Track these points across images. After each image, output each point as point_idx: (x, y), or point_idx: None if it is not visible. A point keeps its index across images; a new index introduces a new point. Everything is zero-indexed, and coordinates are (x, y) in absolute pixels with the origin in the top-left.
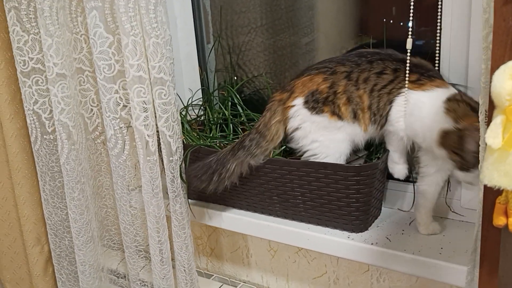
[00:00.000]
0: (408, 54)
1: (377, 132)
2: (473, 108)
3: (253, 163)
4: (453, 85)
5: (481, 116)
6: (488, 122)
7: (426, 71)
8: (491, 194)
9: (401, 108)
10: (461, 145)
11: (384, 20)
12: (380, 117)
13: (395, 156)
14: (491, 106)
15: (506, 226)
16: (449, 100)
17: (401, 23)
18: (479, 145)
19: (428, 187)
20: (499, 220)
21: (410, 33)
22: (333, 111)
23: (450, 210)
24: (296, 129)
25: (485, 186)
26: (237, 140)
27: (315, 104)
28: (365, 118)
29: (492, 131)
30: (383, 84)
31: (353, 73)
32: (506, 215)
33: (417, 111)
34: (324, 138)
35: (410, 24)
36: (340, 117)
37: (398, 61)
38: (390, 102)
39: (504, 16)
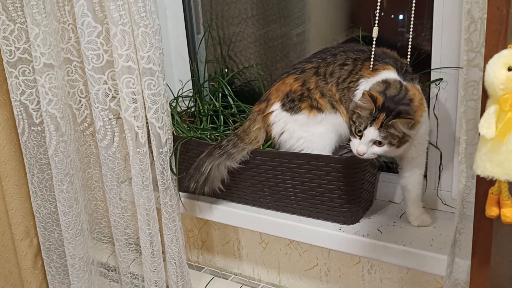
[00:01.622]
0: (374, 42)
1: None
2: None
3: (229, 164)
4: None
5: (462, 108)
6: (482, 112)
7: (384, 58)
8: (484, 185)
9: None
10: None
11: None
12: (347, 108)
13: None
14: (484, 95)
15: (498, 216)
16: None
17: (392, 16)
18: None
19: (407, 180)
20: (491, 211)
21: (376, 22)
22: (311, 105)
23: (442, 202)
24: (282, 133)
25: (477, 177)
26: (227, 132)
27: (292, 103)
28: (342, 109)
29: (485, 121)
30: (345, 76)
31: (320, 68)
32: (499, 205)
33: None
34: (308, 133)
35: (377, 12)
36: (319, 109)
37: (359, 51)
38: (353, 93)
39: (497, 4)
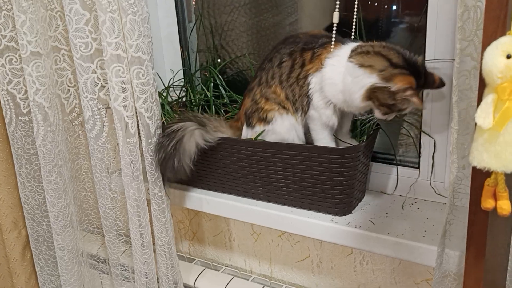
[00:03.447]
0: (334, 28)
1: (302, 119)
2: (387, 58)
3: (199, 140)
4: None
5: (455, 98)
6: (478, 101)
7: (317, 41)
8: (479, 177)
9: (316, 86)
10: (393, 101)
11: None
12: (301, 104)
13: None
14: (482, 84)
15: (494, 209)
16: (355, 55)
17: (386, 6)
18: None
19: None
20: (487, 203)
21: (337, 6)
22: (259, 118)
23: (435, 192)
24: None
25: (473, 168)
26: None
27: (248, 120)
28: (289, 106)
29: (482, 110)
30: (287, 73)
31: (261, 77)
32: (495, 198)
33: (331, 80)
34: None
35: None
36: (265, 120)
37: (290, 44)
38: (304, 86)
39: None
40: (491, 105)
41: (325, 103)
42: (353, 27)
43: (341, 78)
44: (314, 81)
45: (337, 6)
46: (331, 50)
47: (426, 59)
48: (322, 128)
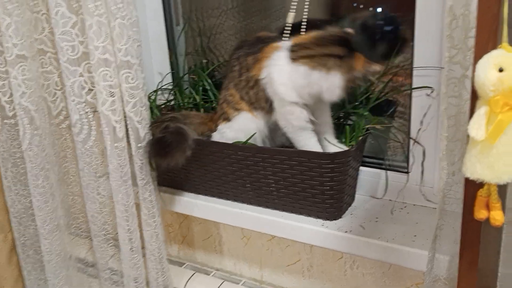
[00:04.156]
0: (289, 28)
1: (269, 118)
2: (317, 43)
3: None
4: None
5: (444, 105)
6: (471, 112)
7: (258, 45)
8: (472, 187)
9: (269, 89)
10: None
11: (355, 4)
12: (260, 106)
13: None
14: (474, 96)
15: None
16: (301, 58)
17: (371, 8)
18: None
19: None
20: (480, 214)
21: (293, 7)
22: (223, 118)
23: (424, 198)
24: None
25: (466, 179)
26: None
27: (217, 122)
28: (245, 107)
29: (475, 122)
30: (237, 77)
31: (224, 83)
32: (488, 208)
33: (279, 81)
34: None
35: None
36: (227, 119)
37: (239, 49)
38: (259, 91)
39: (489, 3)
40: (484, 117)
41: (284, 104)
42: (303, 28)
43: (289, 76)
44: (265, 85)
45: (293, 7)
46: (271, 52)
47: (414, 66)
48: (297, 131)
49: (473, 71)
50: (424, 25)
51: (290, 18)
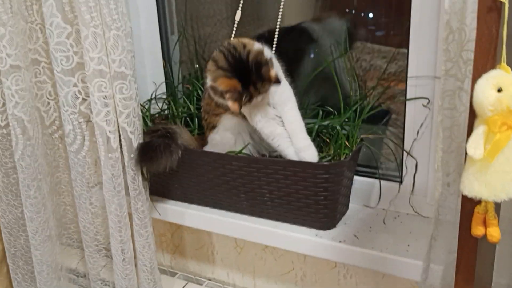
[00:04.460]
0: (235, 26)
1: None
2: (215, 61)
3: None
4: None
5: (440, 117)
6: (469, 131)
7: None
8: (469, 203)
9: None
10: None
11: (347, 10)
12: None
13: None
14: (472, 114)
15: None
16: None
17: (362, 14)
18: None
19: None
20: (477, 230)
21: (240, 6)
22: (210, 128)
23: (413, 210)
24: None
25: (463, 195)
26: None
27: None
28: (221, 111)
29: (473, 141)
30: (210, 87)
31: (202, 98)
32: (485, 224)
33: None
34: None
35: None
36: (214, 127)
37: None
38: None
39: (488, 23)
40: (482, 136)
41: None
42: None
43: None
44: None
45: (240, 5)
46: None
47: (408, 75)
48: (273, 139)
49: (472, 90)
50: (418, 34)
51: (238, 16)
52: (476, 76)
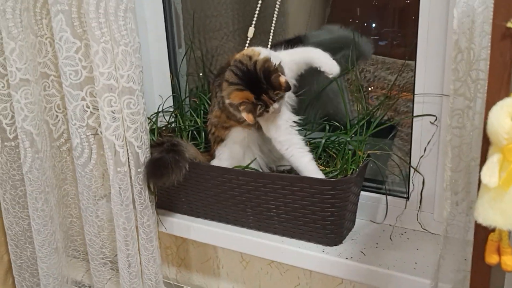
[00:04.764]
0: (248, 42)
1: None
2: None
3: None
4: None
5: (449, 137)
6: (482, 158)
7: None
8: (483, 230)
9: None
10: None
11: (351, 20)
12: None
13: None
14: (486, 141)
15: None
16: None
17: (365, 24)
18: None
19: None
20: (491, 259)
21: (253, 23)
22: (217, 142)
23: (421, 226)
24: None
25: (476, 222)
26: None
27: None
28: (232, 123)
29: (488, 169)
30: (222, 101)
31: (209, 111)
32: (499, 252)
33: None
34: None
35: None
36: (222, 140)
37: (220, 75)
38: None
39: (501, 50)
40: (496, 164)
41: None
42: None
43: None
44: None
45: (254, 22)
46: None
47: (416, 92)
48: (287, 149)
49: (485, 117)
50: (426, 51)
51: (250, 32)
52: (490, 103)
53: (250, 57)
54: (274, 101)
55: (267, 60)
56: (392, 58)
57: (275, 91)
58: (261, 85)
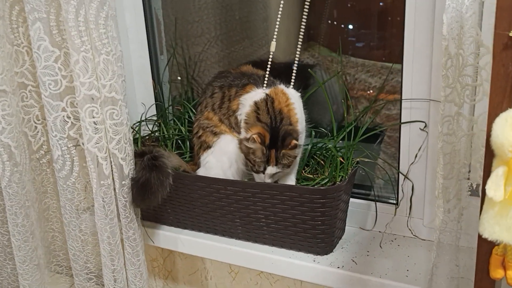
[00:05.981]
0: (270, 56)
1: None
2: (257, 114)
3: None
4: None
5: (440, 144)
6: (485, 170)
7: (242, 80)
8: (486, 244)
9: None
10: (247, 150)
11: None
12: (239, 129)
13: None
14: (489, 153)
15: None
16: (254, 104)
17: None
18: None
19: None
20: (497, 274)
21: (274, 37)
22: (203, 148)
23: (412, 233)
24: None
25: (479, 236)
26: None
27: (197, 155)
28: (224, 129)
29: (493, 182)
30: (218, 103)
31: (197, 112)
32: (503, 267)
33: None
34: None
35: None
36: (208, 146)
37: (221, 78)
38: (237, 121)
39: (503, 61)
40: (502, 178)
41: None
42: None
43: None
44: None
45: (275, 36)
46: (248, 91)
47: (403, 98)
48: None
49: (488, 129)
50: (412, 56)
51: (273, 47)
52: (492, 114)
53: (280, 111)
54: (275, 165)
55: (293, 130)
56: (372, 61)
57: (282, 150)
58: (276, 139)
